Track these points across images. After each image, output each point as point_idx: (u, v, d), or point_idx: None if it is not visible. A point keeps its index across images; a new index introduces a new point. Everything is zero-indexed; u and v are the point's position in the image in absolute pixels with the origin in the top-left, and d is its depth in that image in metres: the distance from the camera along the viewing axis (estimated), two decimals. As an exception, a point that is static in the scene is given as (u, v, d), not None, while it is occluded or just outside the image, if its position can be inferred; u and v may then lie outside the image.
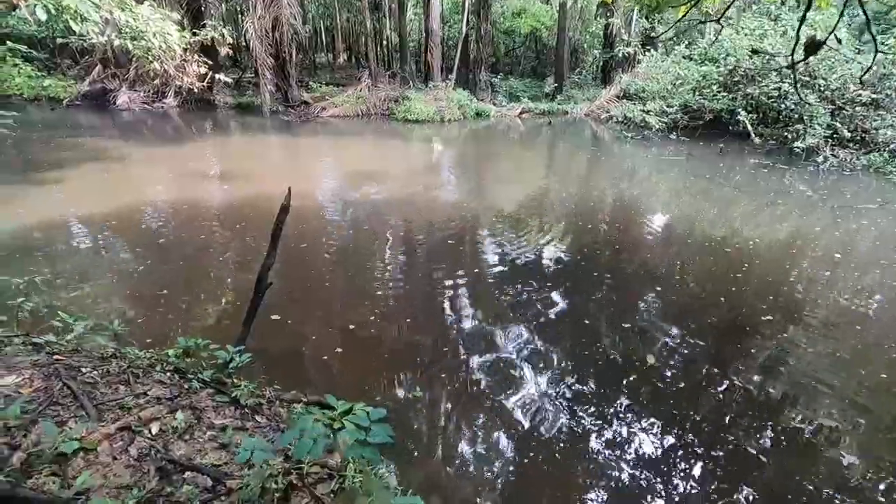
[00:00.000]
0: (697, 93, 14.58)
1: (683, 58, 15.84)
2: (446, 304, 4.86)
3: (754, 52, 12.10)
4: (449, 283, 5.32)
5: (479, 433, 3.23)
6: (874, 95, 11.68)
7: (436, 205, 8.20)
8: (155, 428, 2.36)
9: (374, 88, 18.92)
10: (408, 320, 4.54)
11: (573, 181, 10.51)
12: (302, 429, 1.69)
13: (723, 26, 13.42)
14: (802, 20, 4.26)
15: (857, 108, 11.77)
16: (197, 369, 3.07)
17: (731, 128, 13.95)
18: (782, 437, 3.26)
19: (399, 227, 7.05)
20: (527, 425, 3.30)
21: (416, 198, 8.45)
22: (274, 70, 17.20)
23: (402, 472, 2.89)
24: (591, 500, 2.78)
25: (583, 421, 3.36)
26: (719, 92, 13.91)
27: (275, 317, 4.40)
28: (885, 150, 10.87)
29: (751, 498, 2.80)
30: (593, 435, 3.25)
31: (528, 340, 4.27)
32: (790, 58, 4.83)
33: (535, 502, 2.77)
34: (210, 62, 12.22)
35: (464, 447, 3.11)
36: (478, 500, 2.75)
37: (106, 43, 8.53)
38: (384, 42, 27.35)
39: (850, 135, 11.45)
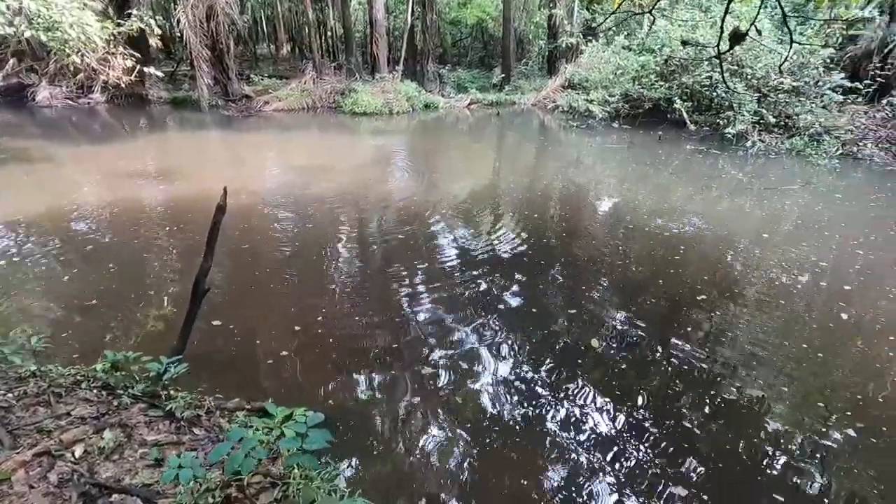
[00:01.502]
0: (637, 82, 15.11)
1: (623, 48, 16.35)
2: (398, 299, 4.82)
3: (685, 42, 12.65)
4: (401, 277, 5.28)
5: (434, 427, 3.24)
6: (795, 83, 12.49)
7: (387, 198, 8.11)
8: (79, 450, 2.22)
9: (320, 81, 18.42)
10: (357, 318, 4.47)
11: (523, 171, 10.66)
12: (236, 440, 1.62)
13: (654, 17, 13.91)
14: (726, 12, 4.46)
15: (780, 96, 12.55)
16: (128, 383, 2.90)
17: (668, 115, 14.55)
18: (718, 409, 3.46)
19: (349, 223, 6.93)
20: (482, 416, 3.34)
21: (366, 191, 8.32)
22: (211, 62, 16.39)
23: (358, 472, 2.86)
24: (549, 482, 2.84)
25: (537, 407, 3.43)
26: (657, 81, 14.48)
27: (216, 322, 4.23)
28: (805, 134, 11.67)
29: (693, 466, 2.96)
30: (548, 419, 3.33)
31: (483, 332, 4.31)
32: (717, 48, 5.06)
33: (495, 490, 2.80)
34: (138, 55, 11.46)
35: (418, 442, 3.11)
36: (440, 494, 2.76)
37: (16, 34, 7.82)
38: (328, 33, 26.62)
39: (774, 120, 12.21)
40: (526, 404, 3.46)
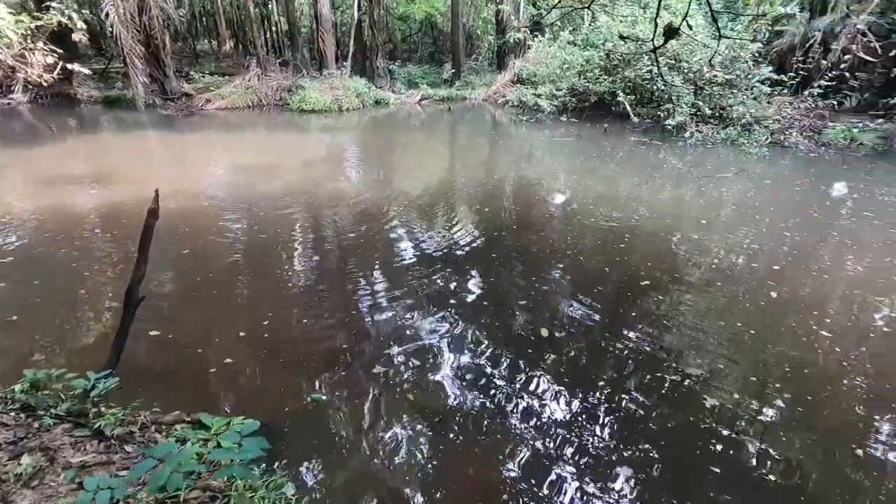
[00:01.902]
0: (582, 76, 15.50)
1: (568, 43, 16.73)
2: (351, 299, 4.74)
3: (622, 37, 13.08)
4: (354, 276, 5.20)
5: (389, 426, 3.20)
6: (728, 76, 13.17)
7: (339, 196, 7.95)
8: (-9, 480, 2.04)
9: (265, 78, 17.85)
10: (307, 321, 4.36)
11: (475, 166, 10.73)
12: (160, 456, 1.53)
13: (593, 13, 14.35)
14: (659, 8, 4.62)
15: (714, 88, 13.20)
16: (52, 403, 2.70)
17: (613, 108, 15.01)
18: (664, 389, 3.59)
19: (299, 223, 6.74)
20: (438, 411, 3.32)
21: (317, 190, 8.13)
22: (146, 59, 15.54)
23: (312, 477, 2.78)
24: (510, 472, 2.86)
25: (495, 398, 3.45)
26: (601, 75, 14.91)
27: (154, 333, 4.01)
28: (737, 125, 12.34)
29: (647, 447, 3.06)
30: (507, 409, 3.35)
31: (438, 327, 4.29)
32: (653, 42, 5.26)
33: (456, 484, 2.79)
34: (61, 51, 10.68)
35: (374, 442, 3.06)
36: (399, 494, 2.72)
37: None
38: (273, 28, 25.82)
39: (710, 112, 12.85)
40: (483, 396, 3.48)
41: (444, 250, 5.93)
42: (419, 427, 3.19)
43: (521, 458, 2.96)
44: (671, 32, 6.02)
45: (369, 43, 21.37)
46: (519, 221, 7.13)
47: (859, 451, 3.05)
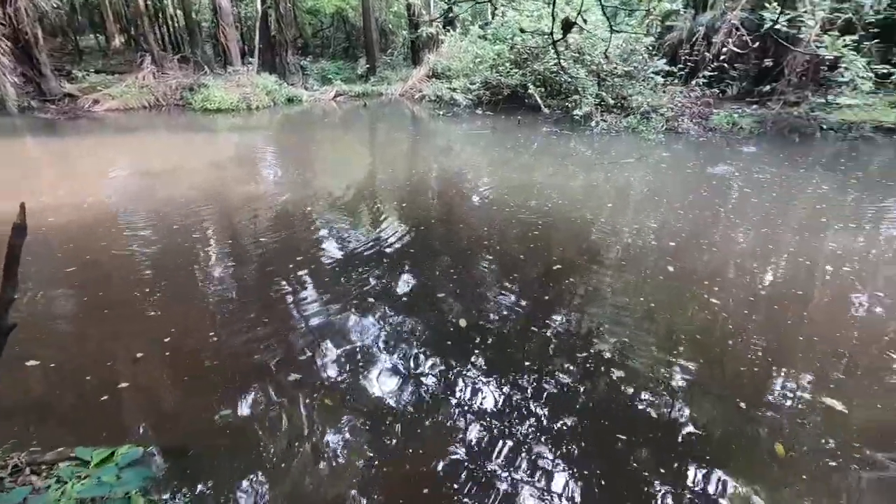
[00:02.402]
0: (494, 70, 15.87)
1: (479, 37, 17.04)
2: (265, 306, 4.51)
3: (521, 31, 13.56)
4: (269, 282, 4.95)
5: (303, 436, 3.08)
6: (626, 68, 14.08)
7: (253, 198, 7.53)
8: None
9: (162, 76, 16.55)
10: (214, 335, 4.08)
11: (394, 161, 10.64)
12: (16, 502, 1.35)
13: (496, 7, 14.74)
14: (554, 3, 4.79)
15: (615, 80, 14.06)
16: None
17: (526, 101, 15.52)
18: (586, 367, 3.76)
19: (208, 229, 6.31)
20: (361, 414, 3.24)
21: (228, 193, 7.66)
22: (15, 56, 13.80)
23: (218, 498, 2.61)
24: (449, 466, 2.84)
25: (430, 394, 3.42)
26: (512, 69, 15.35)
27: (32, 362, 3.58)
28: (637, 113, 13.24)
29: (579, 421, 3.18)
30: (442, 404, 3.33)
31: (363, 328, 4.20)
32: (551, 36, 5.47)
33: (394, 486, 2.73)
34: None
35: (292, 455, 2.93)
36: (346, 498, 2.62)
37: None
38: (169, 22, 23.90)
39: (612, 102, 13.67)
40: (410, 394, 3.44)
41: (367, 249, 5.82)
42: (339, 433, 3.10)
43: (454, 451, 2.96)
44: (568, 26, 6.27)
45: (277, 38, 20.46)
46: (440, 215, 7.17)
47: (743, 405, 3.39)
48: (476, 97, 15.98)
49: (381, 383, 3.55)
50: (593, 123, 13.12)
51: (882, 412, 3.34)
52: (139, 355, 3.73)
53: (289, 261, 5.45)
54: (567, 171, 9.59)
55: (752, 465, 2.91)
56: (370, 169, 10.02)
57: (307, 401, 3.35)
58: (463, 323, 4.27)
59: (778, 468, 2.89)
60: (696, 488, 2.74)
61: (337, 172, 9.79)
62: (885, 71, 11.54)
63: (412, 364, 3.77)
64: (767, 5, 11.39)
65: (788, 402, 3.42)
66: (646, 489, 2.73)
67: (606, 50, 12.64)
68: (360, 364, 3.75)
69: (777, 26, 11.13)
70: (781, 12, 11.68)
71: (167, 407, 3.29)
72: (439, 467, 2.85)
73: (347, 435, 3.07)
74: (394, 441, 3.03)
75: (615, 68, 13.87)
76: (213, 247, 5.96)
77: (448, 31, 19.12)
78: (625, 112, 13.63)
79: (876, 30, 12.28)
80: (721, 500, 2.66)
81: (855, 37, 11.46)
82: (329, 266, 5.37)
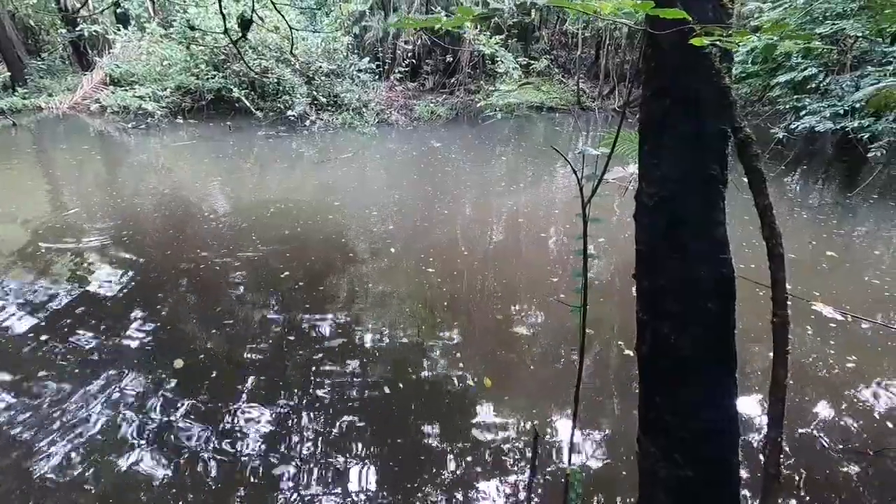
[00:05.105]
0: (189, 73, 14.15)
1: (161, 37, 14.90)
2: None
3: (191, 27, 12.54)
4: None
5: None
6: (331, 67, 14.37)
7: None
8: None
9: None
10: None
11: (90, 191, 8.19)
12: None
13: (179, 4, 13.24)
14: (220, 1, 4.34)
15: (323, 78, 14.23)
16: None
17: (237, 105, 14.32)
18: (361, 361, 3.71)
19: None
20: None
21: None
22: None
23: None
24: None
25: (190, 439, 2.68)
26: (210, 71, 13.94)
27: None
28: (350, 109, 13.74)
29: (368, 424, 3.09)
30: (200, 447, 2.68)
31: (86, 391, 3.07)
32: (225, 34, 4.99)
33: None
34: None
35: None
36: None
37: None
38: None
39: (325, 100, 13.83)
40: (185, 447, 2.67)
41: (74, 297, 4.47)
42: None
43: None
44: (246, 24, 5.84)
45: None
46: (164, 241, 5.90)
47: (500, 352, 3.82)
48: (173, 105, 14.00)
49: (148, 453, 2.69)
50: (308, 122, 13.04)
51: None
52: None
53: None
54: (295, 173, 9.28)
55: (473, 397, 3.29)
56: (57, 204, 7.51)
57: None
58: (179, 364, 3.61)
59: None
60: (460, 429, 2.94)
61: (10, 216, 7.14)
62: (526, 62, 14.75)
63: (166, 414, 2.97)
64: (434, 9, 13.14)
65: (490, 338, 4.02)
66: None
67: (292, 49, 12.60)
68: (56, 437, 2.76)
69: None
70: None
71: None
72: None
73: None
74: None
75: (320, 67, 14.01)
76: None
77: (120, 28, 16.10)
78: (339, 109, 13.95)
79: (516, 31, 15.58)
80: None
81: (502, 36, 14.25)
82: (32, 330, 3.84)
